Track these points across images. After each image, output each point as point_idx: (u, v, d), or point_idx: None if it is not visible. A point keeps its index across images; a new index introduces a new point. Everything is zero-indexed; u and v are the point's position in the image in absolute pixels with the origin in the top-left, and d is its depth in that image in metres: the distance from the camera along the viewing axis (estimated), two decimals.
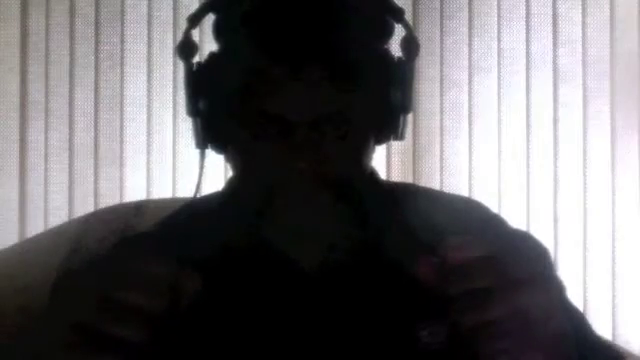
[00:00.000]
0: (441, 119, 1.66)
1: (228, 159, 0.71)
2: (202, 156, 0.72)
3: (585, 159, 1.65)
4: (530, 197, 1.65)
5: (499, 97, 1.65)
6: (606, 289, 1.63)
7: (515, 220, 0.85)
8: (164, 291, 0.46)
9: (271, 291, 0.68)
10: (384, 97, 0.68)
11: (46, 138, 1.67)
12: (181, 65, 0.69)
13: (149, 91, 1.67)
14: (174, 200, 1.44)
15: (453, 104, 1.66)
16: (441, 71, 1.66)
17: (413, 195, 0.78)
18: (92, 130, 1.67)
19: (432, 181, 1.65)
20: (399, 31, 0.69)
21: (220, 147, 0.71)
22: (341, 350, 0.66)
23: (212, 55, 0.69)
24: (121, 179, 1.67)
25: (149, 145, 1.67)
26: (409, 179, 1.65)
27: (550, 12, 1.65)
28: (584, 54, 1.65)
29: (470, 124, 1.66)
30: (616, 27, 1.65)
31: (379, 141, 0.72)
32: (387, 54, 0.69)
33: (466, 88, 1.66)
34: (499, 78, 1.66)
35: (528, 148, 1.65)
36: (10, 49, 1.67)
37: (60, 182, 1.67)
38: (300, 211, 0.65)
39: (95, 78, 1.67)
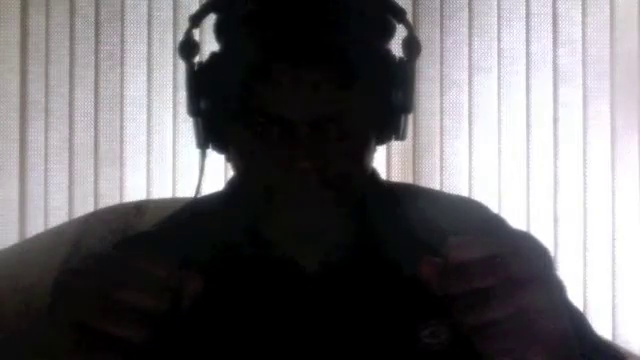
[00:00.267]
0: (441, 119, 1.66)
1: (229, 159, 0.71)
2: (203, 156, 0.72)
3: (585, 159, 1.65)
4: (530, 197, 1.65)
5: (499, 97, 1.66)
6: (606, 289, 1.63)
7: (515, 220, 0.85)
8: (164, 291, 0.47)
9: (272, 291, 0.68)
10: (385, 97, 0.68)
11: (46, 138, 1.67)
12: (181, 65, 0.69)
13: (149, 91, 1.67)
14: (174, 200, 1.44)
15: (453, 104, 1.66)
16: (441, 71, 1.66)
17: (413, 195, 0.78)
18: (92, 130, 1.67)
19: (432, 181, 1.65)
20: (400, 31, 0.69)
21: (221, 147, 0.71)
22: (342, 350, 0.66)
23: (213, 55, 0.69)
24: (121, 179, 1.67)
25: (149, 145, 1.67)
26: (409, 179, 1.65)
27: (550, 12, 1.65)
28: (584, 54, 1.65)
29: (470, 124, 1.66)
30: (616, 27, 1.65)
31: (380, 141, 0.72)
32: (388, 54, 0.69)
33: (466, 88, 1.66)
34: (499, 78, 1.66)
35: (528, 148, 1.65)
36: (10, 49, 1.67)
37: (60, 182, 1.67)
38: (301, 211, 0.65)
39: (95, 78, 1.67)
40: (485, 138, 1.66)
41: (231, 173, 0.72)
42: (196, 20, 0.68)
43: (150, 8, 1.67)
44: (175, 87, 1.64)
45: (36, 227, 1.63)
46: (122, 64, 1.67)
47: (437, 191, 0.91)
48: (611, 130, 1.65)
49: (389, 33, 0.69)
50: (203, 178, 0.73)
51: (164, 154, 1.66)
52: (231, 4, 0.68)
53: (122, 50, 1.67)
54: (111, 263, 0.48)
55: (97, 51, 1.67)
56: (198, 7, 0.69)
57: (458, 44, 1.66)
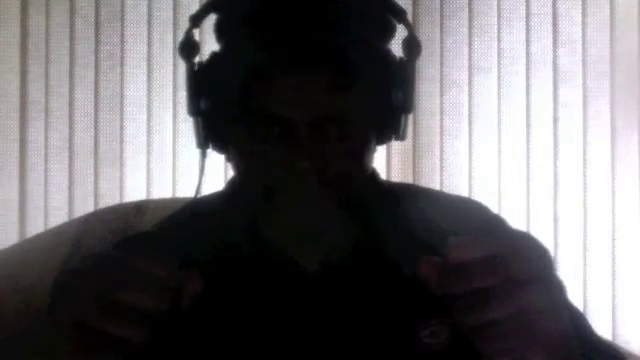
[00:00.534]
0: (441, 119, 1.66)
1: (229, 159, 0.71)
2: (203, 156, 0.72)
3: (585, 159, 1.65)
4: (530, 197, 1.65)
5: (499, 97, 1.65)
6: (606, 289, 1.63)
7: (515, 220, 0.85)
8: (164, 291, 0.46)
9: (272, 291, 0.68)
10: (385, 97, 0.68)
11: (46, 138, 1.67)
12: (181, 65, 0.69)
13: (149, 91, 1.67)
14: (174, 200, 1.44)
15: (453, 104, 1.66)
16: (441, 71, 1.66)
17: (414, 195, 0.78)
18: (92, 130, 1.67)
19: (432, 181, 1.65)
20: (400, 31, 0.69)
21: (221, 147, 0.71)
22: (343, 351, 0.66)
23: (214, 55, 0.69)
24: (121, 179, 1.67)
25: (149, 145, 1.67)
26: (409, 179, 1.65)
27: (550, 12, 1.65)
28: (584, 54, 1.65)
29: (470, 124, 1.66)
30: (616, 27, 1.65)
31: (380, 141, 0.72)
32: (388, 54, 0.69)
33: (466, 88, 1.66)
34: (499, 78, 1.66)
35: (528, 148, 1.65)
36: (10, 49, 1.67)
37: (60, 182, 1.66)
38: (301, 211, 0.65)
39: (95, 78, 1.67)
40: (485, 138, 1.66)
41: (231, 173, 0.72)
42: (196, 20, 0.68)
43: (150, 8, 1.67)
44: (175, 87, 1.64)
45: (36, 227, 1.63)
46: (122, 64, 1.67)
47: (437, 191, 0.91)
48: (611, 130, 1.65)
49: (389, 33, 0.69)
50: (203, 178, 0.73)
51: (164, 154, 1.66)
52: (231, 4, 0.68)
53: (122, 50, 1.67)
54: (111, 263, 0.48)
55: (97, 51, 1.67)
56: (198, 7, 0.69)
57: (458, 44, 1.66)
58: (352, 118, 0.65)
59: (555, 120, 1.65)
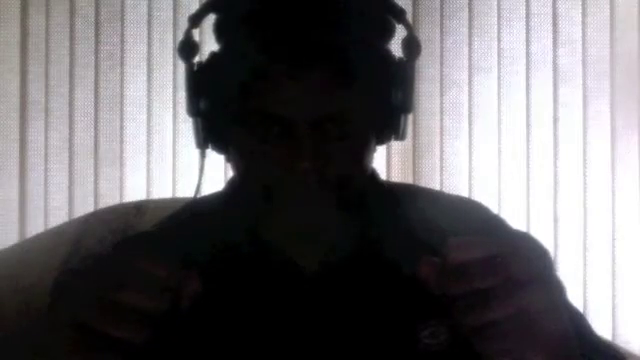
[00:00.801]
0: (441, 119, 1.66)
1: (229, 159, 0.71)
2: (202, 156, 0.71)
3: (585, 159, 1.65)
4: (530, 197, 1.65)
5: (499, 97, 1.65)
6: (606, 289, 1.63)
7: (515, 220, 0.86)
8: (164, 291, 0.46)
9: (271, 292, 0.68)
10: (385, 97, 0.68)
11: (46, 138, 1.67)
12: (181, 65, 0.69)
13: (149, 91, 1.67)
14: (174, 200, 1.44)
15: (453, 104, 1.66)
16: (441, 71, 1.66)
17: (413, 196, 0.78)
18: (92, 130, 1.67)
19: (432, 181, 1.65)
20: (400, 31, 0.69)
21: (221, 147, 0.71)
22: (342, 351, 0.66)
23: (213, 55, 0.69)
24: (121, 179, 1.67)
25: (149, 145, 1.67)
26: (409, 179, 1.65)
27: (550, 12, 1.65)
28: (584, 54, 1.65)
29: (470, 124, 1.66)
30: (616, 27, 1.65)
31: (380, 141, 0.72)
32: (388, 54, 0.69)
33: (466, 88, 1.66)
34: (499, 78, 1.66)
35: (528, 148, 1.65)
36: (10, 49, 1.67)
37: (60, 182, 1.67)
38: (300, 211, 0.65)
39: (95, 78, 1.67)
40: (485, 138, 1.66)
41: (231, 173, 0.72)
42: (195, 20, 0.68)
43: (150, 8, 1.67)
44: (175, 87, 1.64)
45: (36, 227, 1.63)
46: (122, 64, 1.67)
47: (437, 191, 0.91)
48: (611, 130, 1.65)
49: (389, 33, 0.69)
50: (203, 178, 0.73)
51: (164, 154, 1.66)
52: (230, 4, 0.68)
53: (122, 50, 1.67)
54: (111, 263, 0.48)
55: (97, 51, 1.67)
56: (198, 7, 0.69)
57: (458, 44, 1.66)
58: (352, 118, 0.65)
59: (555, 120, 1.65)
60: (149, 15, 1.67)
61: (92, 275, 0.47)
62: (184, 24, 0.68)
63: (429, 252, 0.48)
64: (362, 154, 0.68)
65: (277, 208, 0.66)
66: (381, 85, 0.68)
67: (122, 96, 1.67)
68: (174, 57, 1.63)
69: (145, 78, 1.67)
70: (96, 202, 1.65)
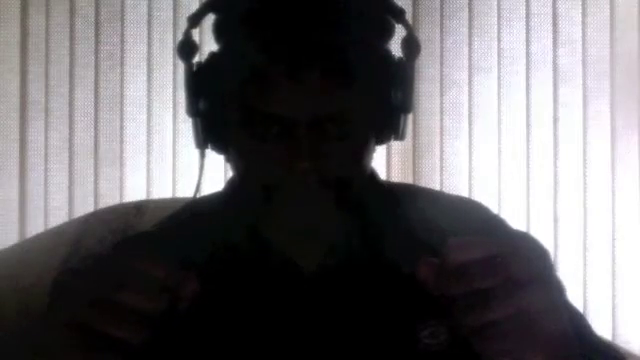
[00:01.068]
0: (441, 119, 1.66)
1: (228, 159, 0.71)
2: (202, 156, 0.72)
3: (585, 159, 1.65)
4: (530, 197, 1.65)
5: (499, 97, 1.65)
6: (606, 289, 1.63)
7: (515, 220, 0.85)
8: (163, 292, 0.46)
9: (270, 292, 0.68)
10: (384, 97, 0.68)
11: (46, 138, 1.67)
12: (181, 65, 0.69)
13: (149, 91, 1.67)
14: (174, 200, 1.44)
15: (453, 104, 1.66)
16: (441, 71, 1.65)
17: (413, 196, 0.78)
18: (92, 130, 1.67)
19: (432, 181, 1.65)
20: (399, 31, 0.69)
21: (220, 147, 0.71)
22: (342, 351, 0.66)
23: (212, 55, 0.69)
24: (121, 179, 1.67)
25: (149, 145, 1.67)
26: (409, 179, 1.65)
27: (550, 12, 1.65)
28: (584, 54, 1.65)
29: (470, 124, 1.66)
30: (616, 27, 1.65)
31: (380, 141, 0.72)
32: (388, 54, 0.69)
33: (466, 88, 1.66)
34: (499, 78, 1.65)
35: (528, 148, 1.65)
36: (10, 49, 1.67)
37: (60, 182, 1.66)
38: (300, 211, 0.65)
39: (95, 78, 1.67)
40: (485, 138, 1.66)
41: (231, 173, 0.72)
42: (195, 20, 0.68)
43: (150, 8, 1.67)
44: (175, 87, 1.64)
45: (36, 227, 1.63)
46: (122, 64, 1.67)
47: (437, 191, 0.91)
48: (611, 130, 1.65)
49: (388, 33, 0.69)
50: (203, 178, 0.73)
51: (164, 154, 1.66)
52: (230, 4, 0.68)
53: (122, 50, 1.67)
54: (110, 263, 0.48)
55: (97, 51, 1.67)
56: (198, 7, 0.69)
57: (458, 44, 1.66)
58: (352, 118, 0.65)
59: (555, 120, 1.65)
60: (149, 15, 1.67)
61: (91, 275, 0.47)
62: (184, 24, 0.68)
63: (429, 252, 0.48)
64: (362, 154, 0.68)
65: (276, 208, 0.66)
66: (381, 85, 0.68)
67: (122, 96, 1.67)
68: (174, 57, 1.63)
69: (145, 78, 1.67)
70: (96, 202, 1.65)
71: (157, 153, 1.66)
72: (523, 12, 1.66)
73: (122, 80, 1.67)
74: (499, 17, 1.66)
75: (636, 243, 1.64)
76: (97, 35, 1.67)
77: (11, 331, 0.98)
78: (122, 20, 1.67)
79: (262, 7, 0.65)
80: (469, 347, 0.46)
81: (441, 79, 1.65)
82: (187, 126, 0.71)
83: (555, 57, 1.65)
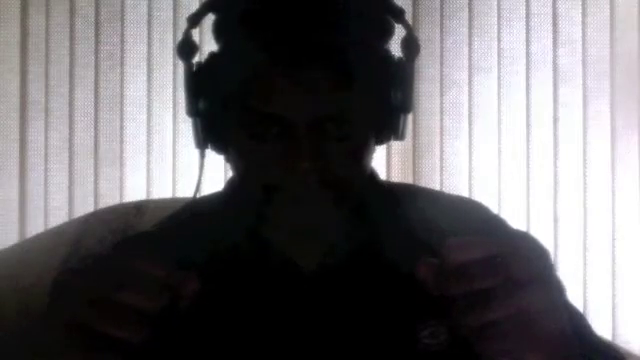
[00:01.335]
0: (441, 119, 1.66)
1: (228, 159, 0.71)
2: (202, 156, 0.71)
3: (585, 159, 1.65)
4: (530, 197, 1.65)
5: (499, 97, 1.65)
6: (606, 289, 1.63)
7: (515, 220, 0.85)
8: (163, 292, 0.46)
9: (270, 292, 0.68)
10: (384, 97, 0.68)
11: (46, 138, 1.67)
12: (181, 65, 0.69)
13: (149, 91, 1.67)
14: (174, 200, 1.44)
15: (453, 104, 1.66)
16: (441, 71, 1.65)
17: (413, 196, 0.78)
18: (92, 130, 1.67)
19: (432, 181, 1.65)
20: (399, 31, 0.69)
21: (220, 147, 0.71)
22: (341, 351, 0.66)
23: (212, 55, 0.69)
24: (121, 179, 1.67)
25: (149, 145, 1.67)
26: (409, 179, 1.65)
27: (550, 12, 1.65)
28: (584, 54, 1.65)
29: (470, 124, 1.66)
30: (616, 27, 1.65)
31: (379, 141, 0.72)
32: (387, 54, 0.69)
33: (466, 88, 1.66)
34: (499, 78, 1.65)
35: (528, 148, 1.65)
36: (10, 49, 1.67)
37: (60, 182, 1.67)
38: (300, 211, 0.65)
39: (95, 78, 1.67)
40: (485, 138, 1.66)
41: (231, 173, 0.72)
42: (194, 20, 0.68)
43: (150, 8, 1.67)
44: (175, 87, 1.64)
45: (36, 227, 1.63)
46: (122, 64, 1.67)
47: (437, 191, 0.91)
48: (611, 130, 1.65)
49: (388, 33, 0.69)
50: (203, 178, 0.73)
51: (164, 154, 1.66)
52: (229, 4, 0.68)
53: (122, 50, 1.67)
54: (110, 263, 0.48)
55: (97, 51, 1.67)
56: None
57: (458, 44, 1.66)
58: (351, 118, 0.65)
59: (555, 120, 1.65)
60: (149, 15, 1.67)
61: (91, 275, 0.47)
62: (184, 24, 0.68)
63: (429, 252, 0.48)
64: (361, 154, 0.68)
65: (276, 208, 0.66)
66: (381, 85, 0.68)
67: (122, 96, 1.67)
68: (174, 57, 1.63)
69: (145, 78, 1.67)
70: (96, 202, 1.65)
71: (157, 153, 1.66)
72: (523, 12, 1.66)
73: (122, 80, 1.67)
74: (499, 17, 1.66)
75: (636, 243, 1.64)
76: (97, 35, 1.67)
77: (11, 331, 0.98)
78: (122, 20, 1.67)
79: (262, 7, 0.65)
80: (469, 347, 0.46)
81: (441, 79, 1.65)
82: (187, 126, 0.71)
83: (555, 57, 1.65)
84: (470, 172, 1.65)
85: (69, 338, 0.46)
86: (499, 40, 1.66)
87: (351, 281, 0.69)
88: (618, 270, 1.63)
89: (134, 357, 0.46)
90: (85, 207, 1.62)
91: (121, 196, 1.66)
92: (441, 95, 1.66)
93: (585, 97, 1.65)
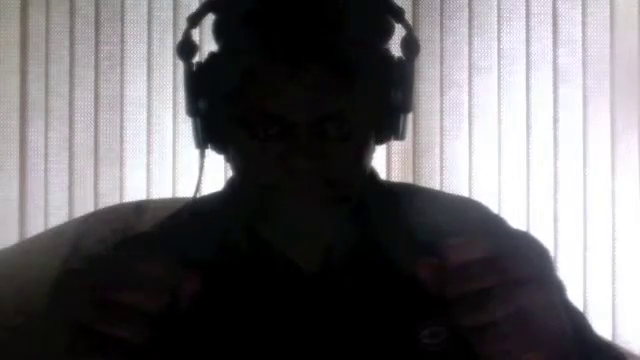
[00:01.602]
0: (441, 119, 1.66)
1: (228, 159, 0.71)
2: (202, 156, 0.71)
3: (585, 159, 1.65)
4: (530, 197, 1.65)
5: (499, 97, 1.66)
6: (606, 289, 1.63)
7: (515, 220, 0.85)
8: (163, 291, 0.46)
9: (271, 292, 0.68)
10: (384, 97, 0.68)
11: (46, 138, 1.67)
12: (181, 65, 0.69)
13: (149, 91, 1.67)
14: (174, 200, 1.44)
15: (453, 104, 1.66)
16: (441, 71, 1.66)
17: (413, 195, 0.78)
18: (92, 130, 1.67)
19: (432, 181, 1.65)
20: (399, 31, 0.69)
21: (220, 147, 0.71)
22: (341, 351, 0.66)
23: (212, 55, 0.69)
24: (121, 179, 1.67)
25: (149, 145, 1.67)
26: (409, 179, 1.65)
27: (550, 12, 1.66)
28: (584, 54, 1.65)
29: (470, 124, 1.66)
30: (616, 27, 1.65)
31: (379, 141, 0.72)
32: (387, 54, 0.69)
33: (466, 88, 1.66)
34: (499, 78, 1.66)
35: (528, 148, 1.65)
36: (10, 49, 1.67)
37: (60, 182, 1.67)
38: (300, 211, 0.65)
39: (95, 78, 1.67)
40: (485, 138, 1.66)
41: (231, 173, 0.72)
42: (194, 20, 0.68)
43: (150, 8, 1.67)
44: (175, 87, 1.64)
45: (36, 227, 1.63)
46: (122, 64, 1.67)
47: (437, 191, 0.91)
48: (611, 130, 1.65)
49: (388, 33, 0.69)
50: (203, 178, 0.72)
51: (164, 154, 1.66)
52: (229, 4, 0.68)
53: (122, 50, 1.67)
54: (110, 263, 0.48)
55: (97, 51, 1.67)
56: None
57: (458, 44, 1.66)
58: (351, 118, 0.65)
59: (555, 120, 1.65)
60: (149, 15, 1.67)
61: (92, 275, 0.47)
62: (184, 24, 0.68)
63: (428, 252, 0.48)
64: (362, 154, 0.68)
65: (276, 208, 0.66)
66: (380, 85, 0.68)
67: (122, 96, 1.67)
68: (174, 57, 1.63)
69: (145, 78, 1.67)
70: (96, 202, 1.65)
71: (157, 153, 1.67)
72: (523, 12, 1.66)
73: (122, 80, 1.67)
74: (499, 17, 1.66)
75: (636, 243, 1.64)
76: (97, 35, 1.67)
77: (11, 331, 0.98)
78: (122, 20, 1.67)
79: (262, 7, 0.65)
80: (469, 347, 0.46)
81: (441, 79, 1.66)
82: (187, 126, 0.71)
83: (555, 57, 1.65)
84: (470, 172, 1.65)
85: (69, 338, 0.46)
86: (499, 40, 1.66)
87: (351, 281, 0.69)
88: (618, 270, 1.64)
89: (135, 357, 0.46)
90: (85, 207, 1.62)
91: (121, 196, 1.66)
92: (441, 95, 1.66)
93: (585, 97, 1.65)
